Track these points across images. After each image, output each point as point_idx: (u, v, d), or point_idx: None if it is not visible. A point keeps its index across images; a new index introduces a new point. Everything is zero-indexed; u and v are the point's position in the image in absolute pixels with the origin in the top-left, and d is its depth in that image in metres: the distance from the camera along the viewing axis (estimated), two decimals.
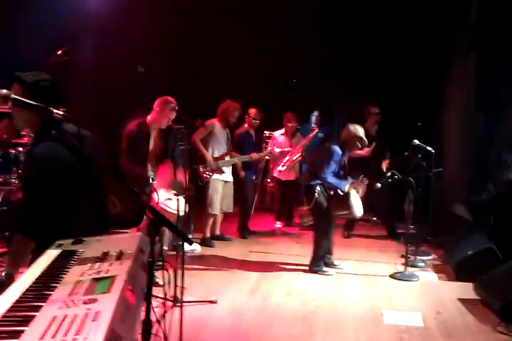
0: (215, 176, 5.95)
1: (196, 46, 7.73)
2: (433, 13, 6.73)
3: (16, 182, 4.85)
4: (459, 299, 4.45)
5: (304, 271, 5.16)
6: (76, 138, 2.20)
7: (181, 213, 4.05)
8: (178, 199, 3.97)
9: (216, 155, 5.98)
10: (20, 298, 1.43)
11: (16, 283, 1.55)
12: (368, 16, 7.22)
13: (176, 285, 3.63)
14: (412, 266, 5.33)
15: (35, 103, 1.80)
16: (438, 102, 7.39)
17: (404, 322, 3.91)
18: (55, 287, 1.49)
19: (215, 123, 5.99)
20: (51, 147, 2.18)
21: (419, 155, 5.55)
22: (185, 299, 3.65)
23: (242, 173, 6.45)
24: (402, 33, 7.08)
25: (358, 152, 5.97)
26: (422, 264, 5.48)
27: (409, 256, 5.25)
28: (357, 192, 5.17)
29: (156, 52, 7.50)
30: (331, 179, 4.97)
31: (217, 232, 6.35)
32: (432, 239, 6.31)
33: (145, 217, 3.00)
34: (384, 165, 6.64)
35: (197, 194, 6.18)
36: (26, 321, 1.26)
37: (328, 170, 4.94)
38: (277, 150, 6.92)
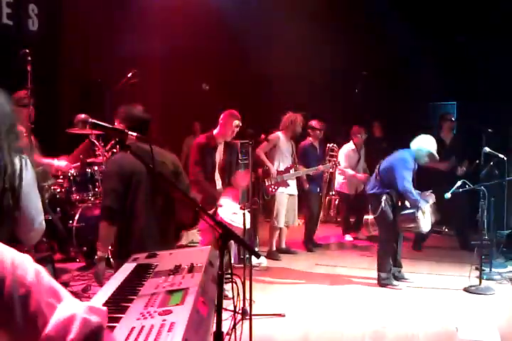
0: (281, 189, 5.98)
1: (259, 62, 7.90)
2: None
3: (92, 199, 5.10)
4: None
5: (373, 284, 5.06)
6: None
7: (247, 227, 4.11)
8: (244, 213, 4.04)
9: (281, 168, 6.01)
10: None
11: (97, 296, 1.66)
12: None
13: (244, 298, 3.68)
14: (488, 278, 5.10)
15: (111, 126, 1.94)
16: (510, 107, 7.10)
17: (481, 338, 3.74)
18: (133, 299, 1.57)
19: (279, 136, 6.04)
20: (122, 156, 2.86)
21: (492, 163, 5.35)
22: (253, 312, 3.69)
23: (307, 186, 6.44)
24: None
25: (436, 164, 5.81)
26: (498, 277, 5.23)
27: (483, 268, 5.04)
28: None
29: (219, 68, 7.74)
30: (415, 193, 4.78)
31: (283, 245, 6.35)
32: (508, 250, 6.02)
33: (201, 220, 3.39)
34: (459, 172, 6.39)
35: (262, 207, 6.25)
36: None
37: (408, 180, 4.76)
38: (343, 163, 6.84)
